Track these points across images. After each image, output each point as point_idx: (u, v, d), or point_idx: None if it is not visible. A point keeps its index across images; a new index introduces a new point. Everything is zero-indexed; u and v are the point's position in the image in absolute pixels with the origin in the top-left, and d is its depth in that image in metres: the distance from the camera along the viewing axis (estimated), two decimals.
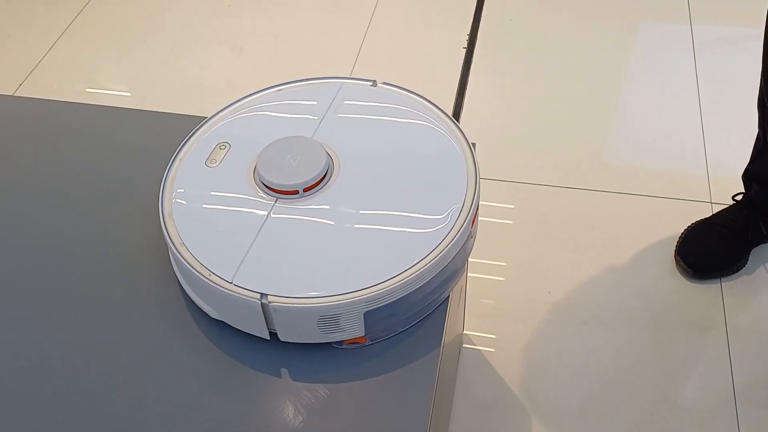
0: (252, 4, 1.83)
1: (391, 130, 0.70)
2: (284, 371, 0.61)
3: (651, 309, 1.16)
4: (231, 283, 0.58)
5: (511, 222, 1.31)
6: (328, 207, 0.63)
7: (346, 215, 0.63)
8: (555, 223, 1.30)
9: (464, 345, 1.13)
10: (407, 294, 0.59)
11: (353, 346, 0.62)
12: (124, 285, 0.67)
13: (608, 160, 1.42)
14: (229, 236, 0.61)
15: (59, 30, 1.77)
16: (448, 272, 0.62)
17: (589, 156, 1.42)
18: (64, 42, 1.74)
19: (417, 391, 0.59)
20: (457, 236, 0.61)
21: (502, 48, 1.68)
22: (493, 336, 1.15)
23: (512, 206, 1.33)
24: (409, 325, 0.63)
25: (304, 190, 0.64)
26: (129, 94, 1.62)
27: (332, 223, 0.62)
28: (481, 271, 1.22)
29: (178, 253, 0.60)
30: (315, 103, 0.73)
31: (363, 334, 0.61)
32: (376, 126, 0.71)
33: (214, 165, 0.68)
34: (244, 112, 0.73)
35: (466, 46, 1.67)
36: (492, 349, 1.13)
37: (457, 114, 1.52)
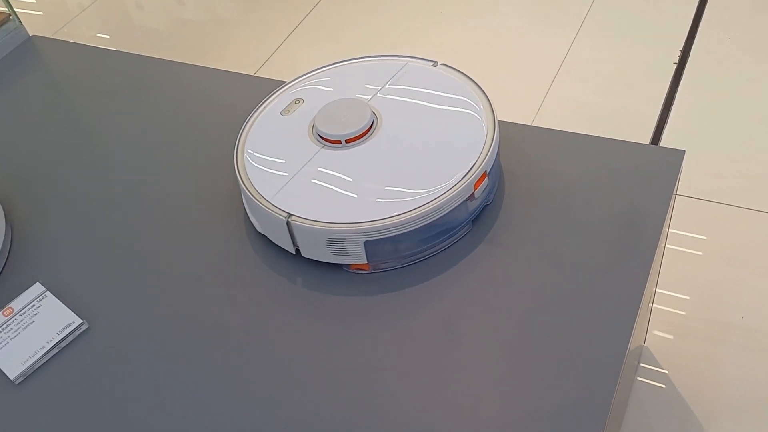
0: (461, 11, 1.93)
1: (433, 102, 0.82)
2: (300, 281, 0.77)
3: None
4: (269, 202, 0.75)
5: (704, 238, 1.30)
6: (360, 157, 0.78)
7: (370, 166, 0.77)
8: (753, 247, 1.26)
9: (641, 364, 1.14)
10: (403, 233, 0.72)
11: (358, 271, 0.76)
12: (203, 203, 0.87)
13: None
14: (279, 169, 0.78)
15: (290, 26, 1.99)
16: (445, 223, 0.74)
17: None
18: (296, 37, 1.96)
19: (404, 326, 0.72)
20: (453, 195, 0.72)
21: (716, 66, 1.64)
22: (674, 356, 1.13)
23: (708, 226, 1.31)
24: (409, 262, 0.76)
25: (346, 142, 0.79)
26: None
27: (358, 170, 0.76)
28: (668, 287, 1.22)
29: (240, 175, 0.78)
30: (381, 74, 0.87)
31: (365, 262, 0.74)
32: (422, 98, 0.83)
33: (287, 115, 0.85)
34: (325, 77, 0.89)
35: (677, 61, 1.67)
36: (666, 371, 1.12)
37: (660, 128, 1.53)
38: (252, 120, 0.85)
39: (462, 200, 0.74)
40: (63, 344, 0.74)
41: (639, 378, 1.14)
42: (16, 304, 0.77)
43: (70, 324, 0.75)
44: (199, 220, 0.84)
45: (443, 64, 0.88)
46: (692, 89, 1.61)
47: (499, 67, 1.75)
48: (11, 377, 0.72)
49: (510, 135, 0.87)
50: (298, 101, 0.86)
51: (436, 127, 0.80)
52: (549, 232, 0.77)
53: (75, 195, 0.90)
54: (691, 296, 1.23)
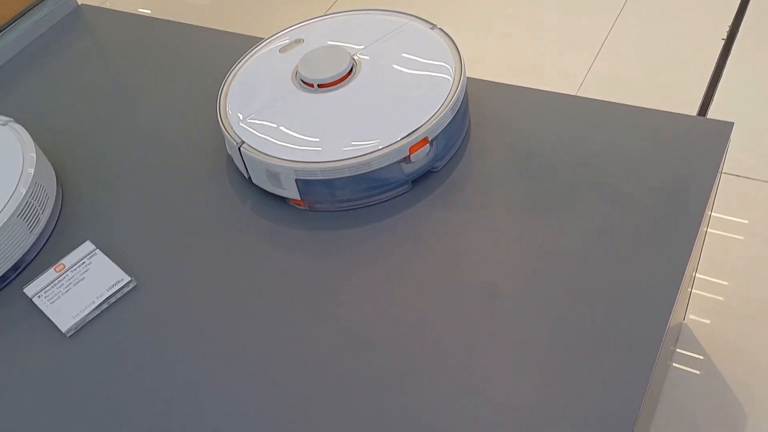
0: None
1: (412, 64, 0.85)
2: (250, 204, 0.83)
3: None
4: (232, 128, 0.82)
5: (746, 222, 1.27)
6: (327, 103, 0.82)
7: (332, 113, 0.81)
8: None
9: (677, 349, 1.13)
10: (331, 179, 0.76)
11: (297, 206, 0.81)
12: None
13: None
14: (254, 101, 0.84)
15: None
16: (375, 179, 0.77)
17: None
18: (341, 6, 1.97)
19: (331, 261, 0.77)
20: (383, 154, 0.75)
21: (765, 42, 1.56)
22: (712, 339, 1.12)
23: (754, 204, 1.29)
24: (343, 208, 0.80)
25: (319, 86, 0.83)
26: None
27: (320, 115, 0.81)
28: (709, 272, 1.20)
29: (221, 100, 0.85)
30: (380, 29, 0.90)
31: (299, 198, 0.79)
32: (404, 58, 0.86)
33: (285, 53, 0.89)
34: (333, 23, 0.93)
35: (725, 37, 1.59)
36: (702, 357, 1.11)
37: (706, 104, 1.48)
38: (252, 53, 0.91)
39: (393, 161, 0.76)
40: (112, 300, 0.77)
41: (675, 364, 1.12)
42: (68, 260, 0.80)
43: (119, 281, 0.77)
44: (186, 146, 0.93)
45: (440, 29, 0.89)
46: (740, 65, 1.54)
47: (540, 42, 1.73)
48: (63, 330, 0.74)
49: (549, 104, 0.86)
50: (298, 41, 0.90)
51: (405, 87, 0.82)
52: (560, 200, 0.78)
53: (121, 157, 0.93)
54: (729, 281, 1.20)
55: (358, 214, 0.80)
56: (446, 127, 0.79)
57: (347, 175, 0.76)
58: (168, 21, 1.17)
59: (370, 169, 0.76)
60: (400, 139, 0.76)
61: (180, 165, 0.91)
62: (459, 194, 0.80)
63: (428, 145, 0.78)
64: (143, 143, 0.95)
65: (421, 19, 0.90)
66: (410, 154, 0.77)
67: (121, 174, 0.91)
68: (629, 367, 0.63)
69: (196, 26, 1.14)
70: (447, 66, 0.83)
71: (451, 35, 0.88)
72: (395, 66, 0.85)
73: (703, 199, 0.75)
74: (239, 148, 0.79)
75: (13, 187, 0.80)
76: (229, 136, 0.81)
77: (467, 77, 0.84)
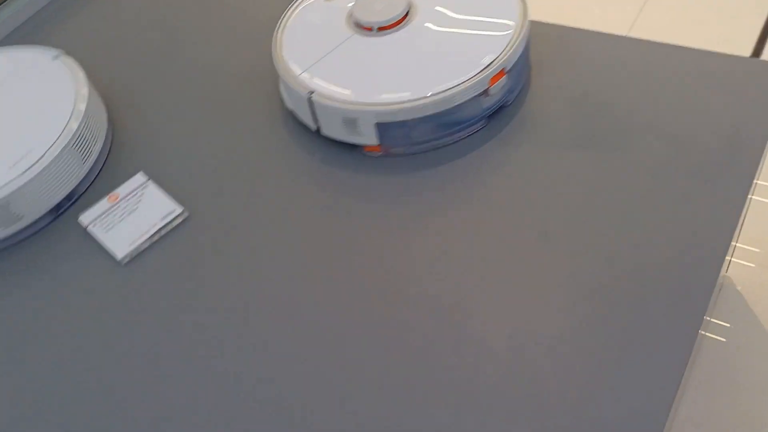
0: None
1: (471, 3, 0.84)
2: (319, 157, 0.81)
3: None
4: (295, 79, 0.79)
5: None
6: (389, 45, 0.80)
7: (396, 54, 0.79)
8: None
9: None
10: (412, 119, 0.75)
11: (373, 153, 0.80)
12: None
13: None
14: (313, 50, 0.82)
15: None
16: (455, 115, 0.76)
17: None
18: None
19: (410, 208, 0.75)
20: (463, 89, 0.74)
21: None
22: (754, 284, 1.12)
23: None
24: (420, 150, 0.79)
25: (378, 29, 0.82)
26: None
27: (384, 57, 0.79)
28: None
29: (276, 53, 0.83)
30: None
31: (377, 144, 0.78)
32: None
33: (330, 1, 0.88)
34: None
35: None
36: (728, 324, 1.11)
37: (758, 52, 1.47)
38: (298, 3, 0.89)
39: (474, 95, 0.75)
40: (164, 231, 0.78)
41: (707, 333, 1.12)
42: (121, 190, 0.81)
43: (171, 212, 0.78)
44: (238, 96, 0.91)
45: None
46: None
47: None
48: (118, 258, 0.76)
49: (603, 45, 0.85)
50: None
51: (468, 25, 0.81)
52: (603, 140, 0.78)
53: (173, 93, 0.93)
54: (762, 248, 1.19)
55: (432, 156, 0.79)
56: (518, 59, 0.78)
57: (429, 113, 0.74)
58: None
59: (452, 105, 0.75)
60: (480, 71, 0.75)
61: (233, 105, 0.90)
62: (530, 132, 0.80)
63: (505, 76, 0.77)
64: (195, 81, 0.95)
65: None
66: (489, 86, 0.76)
67: (172, 109, 0.91)
68: (682, 308, 0.63)
69: None
70: (508, 3, 0.83)
71: None
72: (453, 5, 0.84)
73: (760, 145, 0.74)
74: (309, 98, 0.77)
75: (66, 120, 0.81)
76: (294, 88, 0.78)
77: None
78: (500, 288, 0.67)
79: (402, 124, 0.75)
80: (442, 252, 0.71)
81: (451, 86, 0.74)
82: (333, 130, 0.79)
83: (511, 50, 0.77)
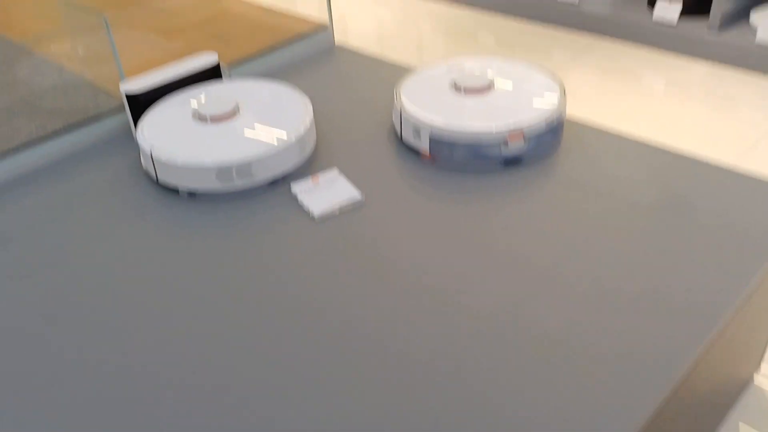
0: None
1: (531, 83, 1.34)
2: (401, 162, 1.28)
3: None
4: (412, 115, 1.28)
5: None
6: (476, 99, 1.29)
7: (480, 104, 1.28)
8: None
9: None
10: (454, 141, 1.21)
11: (425, 160, 1.26)
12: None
13: None
14: (425, 97, 1.30)
15: None
16: (480, 151, 1.21)
17: None
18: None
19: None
20: (500, 132, 1.20)
21: None
22: None
23: None
24: (467, 168, 1.23)
25: (465, 91, 1.31)
26: None
27: (471, 106, 1.27)
28: None
29: (397, 99, 1.34)
30: (514, 67, 1.39)
31: (428, 153, 1.23)
32: (527, 82, 1.36)
33: (442, 72, 1.39)
34: (481, 59, 1.43)
35: None
36: None
37: None
38: (420, 70, 1.42)
39: (497, 142, 1.21)
40: (347, 208, 1.11)
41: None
42: (321, 176, 1.17)
43: (353, 196, 1.12)
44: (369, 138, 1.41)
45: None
46: None
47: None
48: (315, 215, 1.09)
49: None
50: (452, 68, 1.41)
51: (519, 95, 1.29)
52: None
53: (357, 123, 1.37)
54: None
55: (470, 174, 1.24)
56: (542, 132, 1.23)
57: (472, 141, 1.22)
58: (376, 58, 1.71)
59: (479, 143, 1.21)
60: (503, 130, 1.21)
61: (377, 138, 1.38)
62: (536, 188, 1.18)
63: (523, 139, 1.22)
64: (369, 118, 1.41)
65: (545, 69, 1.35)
66: (509, 141, 1.21)
67: (355, 134, 1.38)
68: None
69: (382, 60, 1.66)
70: (552, 93, 1.29)
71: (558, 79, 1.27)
72: (518, 88, 1.32)
73: None
74: (429, 131, 1.28)
75: (300, 129, 1.22)
76: (408, 121, 1.28)
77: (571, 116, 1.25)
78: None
79: (450, 145, 1.23)
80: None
81: (488, 131, 1.19)
82: (408, 137, 1.29)
83: (533, 122, 1.21)
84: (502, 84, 1.31)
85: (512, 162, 1.22)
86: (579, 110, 2.13)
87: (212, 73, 1.41)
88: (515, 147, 1.20)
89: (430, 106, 1.25)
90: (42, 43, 1.66)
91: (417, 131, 1.23)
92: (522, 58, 2.58)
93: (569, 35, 2.86)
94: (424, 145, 1.24)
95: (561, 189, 1.16)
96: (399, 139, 1.32)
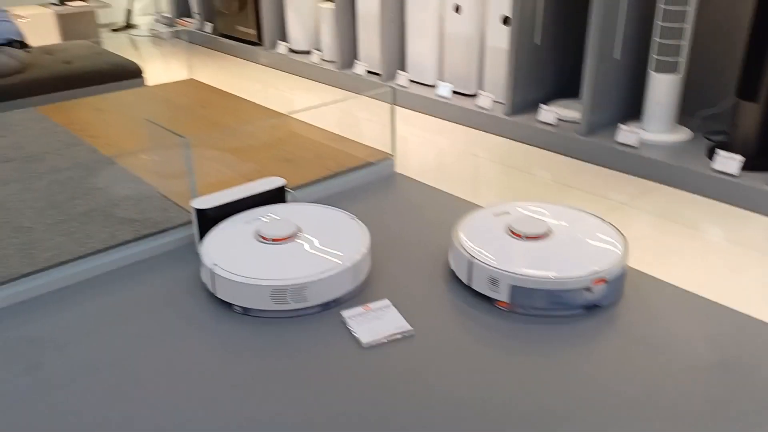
0: None
1: (592, 233, 1.35)
2: (462, 305, 1.29)
3: None
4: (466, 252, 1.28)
5: None
6: (533, 249, 1.30)
7: (534, 251, 1.29)
8: None
9: None
10: (532, 290, 1.22)
11: (502, 308, 1.25)
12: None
13: None
14: (481, 239, 1.33)
15: None
16: (565, 298, 1.21)
17: None
18: None
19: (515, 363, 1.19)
20: (577, 281, 1.20)
21: None
22: None
23: None
24: (547, 315, 1.22)
25: (526, 237, 1.33)
26: None
27: (527, 252, 1.29)
28: None
29: (455, 241, 1.36)
30: (571, 213, 1.41)
31: (507, 301, 1.24)
32: (587, 230, 1.36)
33: (497, 217, 1.41)
34: (534, 204, 1.46)
35: None
36: None
37: None
38: (475, 213, 1.45)
39: (581, 287, 1.22)
40: (396, 337, 1.12)
41: None
42: (372, 305, 1.19)
43: (402, 327, 1.13)
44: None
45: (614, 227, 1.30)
46: None
47: None
48: (363, 343, 1.11)
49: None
50: (506, 212, 1.44)
51: (586, 240, 1.31)
52: None
53: (404, 252, 1.40)
54: None
55: (545, 322, 1.24)
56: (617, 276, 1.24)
57: (546, 288, 1.22)
58: (435, 189, 1.77)
59: (564, 288, 1.22)
60: (587, 274, 1.22)
61: (418, 269, 1.41)
62: (612, 331, 1.20)
63: (605, 283, 1.23)
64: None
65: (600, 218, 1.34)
66: (593, 285, 1.23)
67: (405, 269, 1.40)
68: None
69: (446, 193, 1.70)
70: (612, 238, 1.32)
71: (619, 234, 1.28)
72: (578, 234, 1.34)
73: None
74: (474, 264, 1.30)
75: (356, 256, 1.27)
76: (464, 256, 1.31)
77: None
78: None
79: (529, 292, 1.23)
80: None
81: (566, 277, 1.21)
82: (480, 285, 1.29)
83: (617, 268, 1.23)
84: (559, 229, 1.33)
85: (592, 308, 1.22)
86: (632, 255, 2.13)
87: (277, 194, 1.49)
88: (598, 292, 1.21)
89: (500, 254, 1.27)
90: (125, 157, 1.78)
91: (494, 280, 1.24)
92: (577, 197, 2.61)
93: (626, 177, 2.90)
94: (502, 295, 1.24)
95: (623, 341, 1.15)
96: (454, 277, 1.34)
